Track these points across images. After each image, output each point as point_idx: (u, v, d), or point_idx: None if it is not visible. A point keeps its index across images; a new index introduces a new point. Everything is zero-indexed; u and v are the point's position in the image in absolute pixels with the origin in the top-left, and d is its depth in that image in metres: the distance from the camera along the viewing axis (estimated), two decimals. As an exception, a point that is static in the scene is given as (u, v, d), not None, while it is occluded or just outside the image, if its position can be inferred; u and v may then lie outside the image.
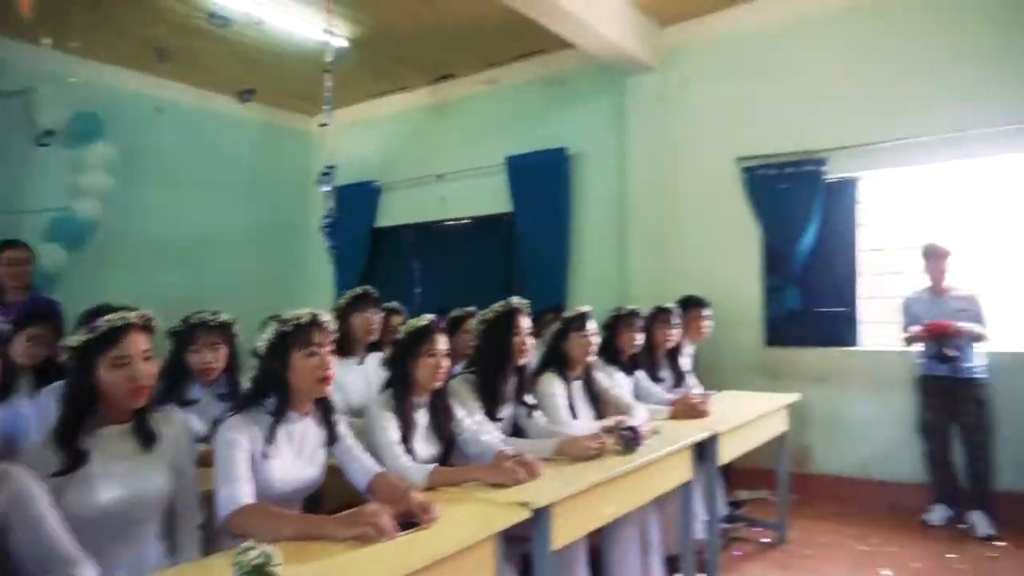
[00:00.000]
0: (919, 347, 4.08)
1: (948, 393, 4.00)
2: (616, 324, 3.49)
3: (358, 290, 3.22)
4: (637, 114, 5.49)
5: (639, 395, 3.52)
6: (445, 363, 2.30)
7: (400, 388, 2.29)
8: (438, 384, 2.33)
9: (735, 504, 4.29)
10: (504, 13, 4.51)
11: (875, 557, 3.67)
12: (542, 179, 5.88)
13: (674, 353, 3.94)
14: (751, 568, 3.58)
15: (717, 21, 5.19)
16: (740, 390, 4.20)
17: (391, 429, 2.20)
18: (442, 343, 2.31)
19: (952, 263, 4.08)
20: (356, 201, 6.99)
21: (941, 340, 3.91)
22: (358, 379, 3.04)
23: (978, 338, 3.95)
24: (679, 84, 5.36)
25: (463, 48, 5.87)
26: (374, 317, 3.18)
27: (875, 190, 4.80)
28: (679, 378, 3.92)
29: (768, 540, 3.91)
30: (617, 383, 3.34)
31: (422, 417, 2.34)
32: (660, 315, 3.84)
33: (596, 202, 5.79)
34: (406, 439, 2.24)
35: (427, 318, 2.35)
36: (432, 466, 2.16)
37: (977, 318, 3.98)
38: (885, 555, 3.70)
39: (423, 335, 2.29)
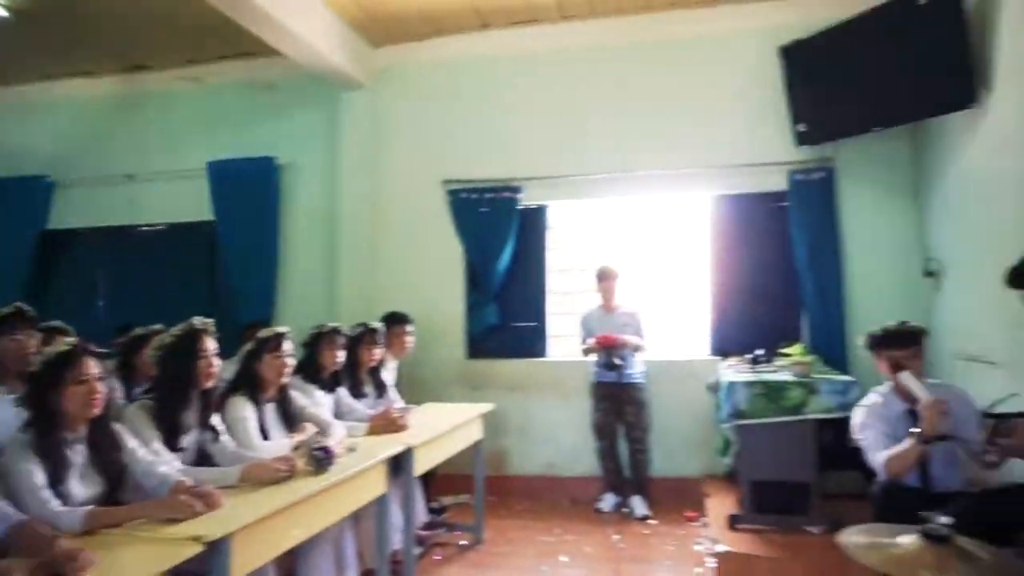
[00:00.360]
0: (593, 357, 4.66)
1: (615, 396, 4.63)
2: (317, 342, 3.46)
3: (7, 308, 2.75)
4: (349, 129, 5.52)
5: (340, 412, 3.52)
6: (99, 389, 2.08)
7: (43, 425, 2.01)
8: (95, 413, 2.09)
9: (438, 510, 4.47)
10: (205, 9, 4.22)
11: (557, 546, 4.10)
12: (248, 188, 5.60)
13: (376, 369, 4.01)
14: (448, 571, 3.77)
15: (426, 49, 5.44)
16: (443, 402, 4.42)
17: (35, 472, 1.92)
18: (93, 367, 2.08)
19: (620, 284, 4.73)
20: (19, 198, 5.99)
21: (610, 350, 4.51)
22: (8, 413, 2.60)
23: (638, 348, 4.63)
24: (389, 105, 5.50)
25: (160, 38, 5.38)
26: (28, 341, 2.74)
27: (562, 217, 5.39)
28: (381, 393, 3.99)
29: (466, 542, 4.14)
30: (316, 401, 3.30)
31: (78, 454, 2.09)
32: (366, 335, 3.88)
33: (306, 215, 5.68)
34: (58, 480, 1.98)
35: (69, 341, 2.11)
36: (87, 508, 1.93)
37: (638, 331, 4.66)
38: (565, 543, 4.15)
39: (67, 361, 2.04)
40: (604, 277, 4.70)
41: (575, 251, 5.39)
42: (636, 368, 4.65)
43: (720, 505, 4.10)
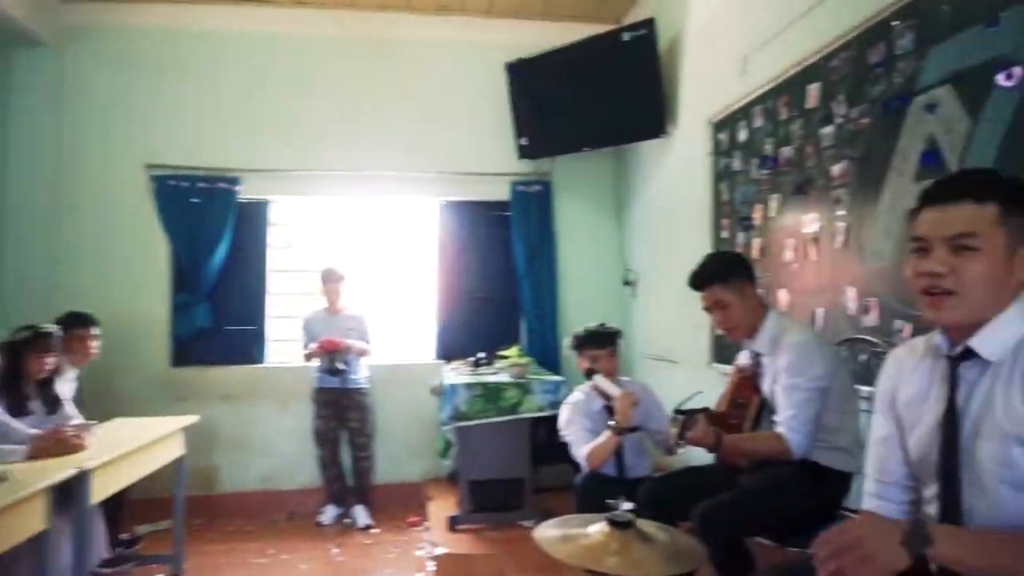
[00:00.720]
0: (316, 362, 4.44)
1: (338, 403, 4.45)
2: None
3: None
4: (23, 95, 4.61)
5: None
6: None
7: None
8: None
9: (129, 542, 3.89)
10: None
11: (271, 568, 3.80)
12: None
13: (48, 381, 3.36)
14: (137, 611, 3.29)
15: (134, 10, 4.73)
16: (141, 415, 3.84)
17: None
18: None
19: (346, 286, 4.57)
20: None
21: (333, 355, 4.32)
22: None
23: (364, 353, 4.51)
24: (81, 71, 4.70)
25: None
26: None
27: (286, 213, 5.08)
28: (54, 409, 3.35)
29: (162, 575, 3.66)
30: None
31: None
32: (37, 341, 3.22)
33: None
34: None
35: None
36: None
37: (364, 335, 4.54)
38: (280, 563, 3.86)
39: None
40: (329, 279, 4.50)
41: (300, 250, 5.10)
42: (360, 373, 4.52)
43: (441, 508, 4.14)
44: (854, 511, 2.24)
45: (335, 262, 4.66)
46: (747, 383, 2.37)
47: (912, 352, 1.44)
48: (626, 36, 4.34)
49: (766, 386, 2.27)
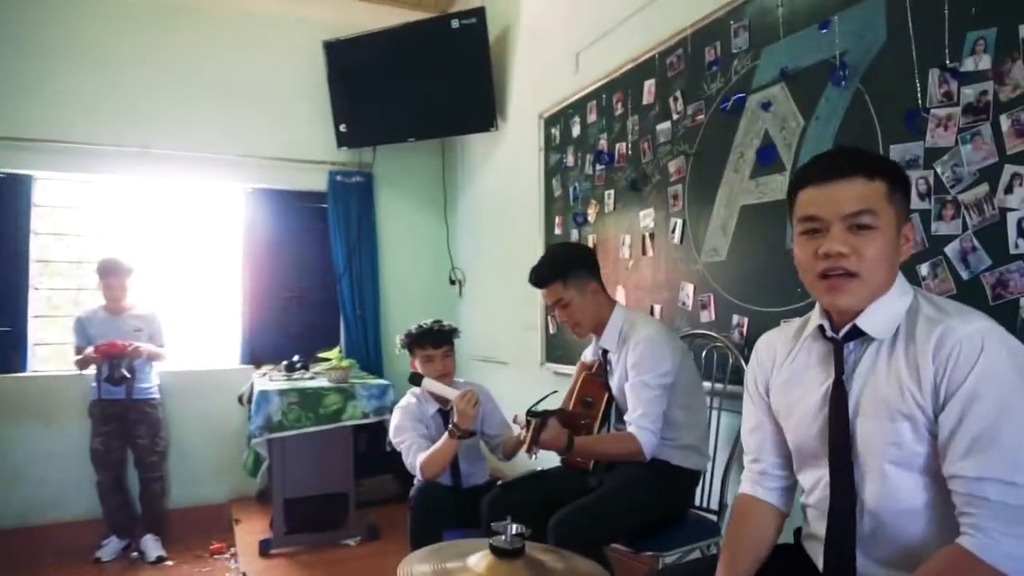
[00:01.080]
0: (93, 369, 3.75)
1: (121, 417, 3.79)
2: None
3: None
4: None
5: None
6: None
7: None
8: None
9: None
10: None
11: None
12: None
13: None
14: None
15: None
16: None
17: None
18: None
19: (134, 281, 3.93)
20: None
21: (115, 360, 3.68)
22: None
23: (156, 357, 3.90)
24: None
25: None
26: None
27: (58, 194, 4.28)
28: None
29: None
30: None
31: None
32: None
33: None
34: None
35: None
36: None
37: (156, 337, 3.93)
38: (43, 614, 3.20)
39: None
40: (110, 272, 3.83)
41: (75, 239, 4.33)
42: (150, 381, 3.91)
43: (250, 531, 3.69)
44: (705, 509, 2.23)
45: (118, 253, 3.99)
46: (594, 380, 2.27)
47: (783, 337, 1.40)
48: (455, 23, 4.16)
49: (614, 383, 2.18)
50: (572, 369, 2.66)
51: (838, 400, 1.23)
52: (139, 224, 4.46)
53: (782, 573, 1.32)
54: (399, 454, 2.65)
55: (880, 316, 1.20)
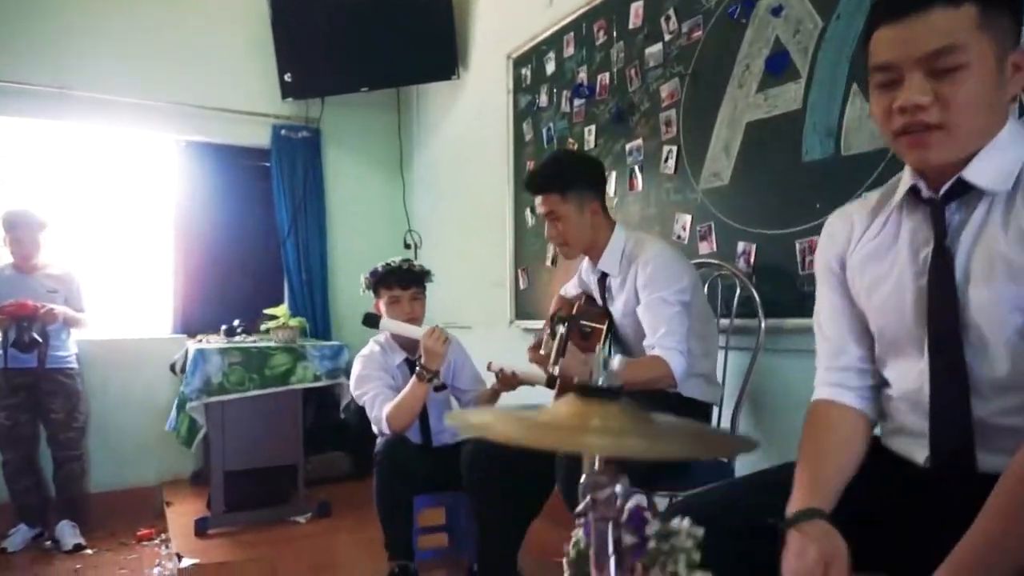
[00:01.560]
0: (-2, 334, 3.28)
1: (32, 388, 3.33)
2: None
3: None
4: None
5: None
6: None
7: None
8: None
9: None
10: None
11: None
12: None
13: None
14: None
15: None
16: None
17: None
18: None
19: (48, 237, 3.47)
20: None
21: (23, 323, 3.22)
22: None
23: (74, 323, 3.45)
24: None
25: None
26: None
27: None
28: None
29: None
30: None
31: None
32: None
33: None
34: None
35: None
36: None
37: (74, 300, 3.48)
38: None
39: None
40: (17, 225, 3.36)
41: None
42: (67, 349, 3.45)
43: (184, 513, 3.29)
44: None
45: (28, 204, 3.52)
46: (591, 308, 2.01)
47: (862, 210, 1.17)
48: (412, -38, 3.86)
49: (617, 309, 1.92)
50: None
51: (942, 268, 1.01)
52: (56, 175, 3.98)
53: (868, 471, 1.10)
54: (351, 428, 2.36)
55: (992, 165, 0.98)
